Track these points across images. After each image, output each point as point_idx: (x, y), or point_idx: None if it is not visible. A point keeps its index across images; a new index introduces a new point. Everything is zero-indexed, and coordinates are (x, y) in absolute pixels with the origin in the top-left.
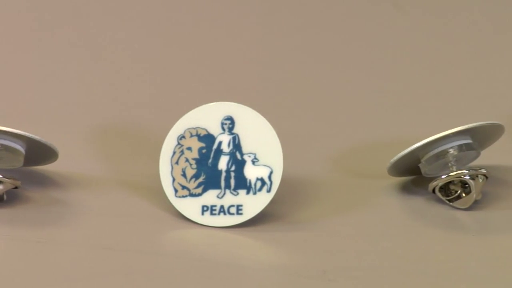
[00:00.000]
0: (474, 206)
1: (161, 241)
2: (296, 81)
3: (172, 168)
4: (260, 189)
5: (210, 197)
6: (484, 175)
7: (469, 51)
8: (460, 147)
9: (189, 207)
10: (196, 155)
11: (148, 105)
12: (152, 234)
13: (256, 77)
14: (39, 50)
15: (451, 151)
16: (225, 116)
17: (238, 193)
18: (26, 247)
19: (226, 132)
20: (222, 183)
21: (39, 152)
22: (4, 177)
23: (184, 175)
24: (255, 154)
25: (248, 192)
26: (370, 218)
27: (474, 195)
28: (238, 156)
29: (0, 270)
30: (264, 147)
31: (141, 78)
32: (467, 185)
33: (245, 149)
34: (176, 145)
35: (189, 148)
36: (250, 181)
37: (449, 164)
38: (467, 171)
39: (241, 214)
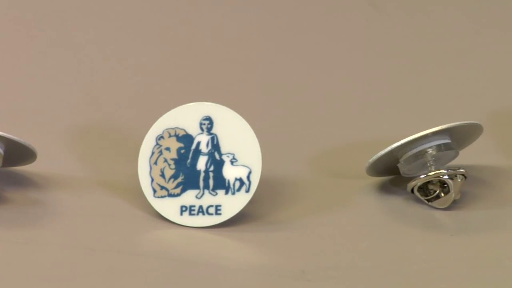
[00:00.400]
0: (453, 206)
1: (140, 241)
2: (275, 81)
3: (151, 168)
4: (238, 189)
5: (189, 197)
6: (463, 175)
7: (447, 51)
8: (438, 147)
9: (168, 207)
10: (174, 156)
11: (127, 105)
12: (131, 234)
13: (234, 77)
14: (17, 50)
15: (430, 151)
16: (204, 116)
17: (216, 193)
18: (5, 248)
19: (205, 133)
20: (201, 183)
21: (17, 153)
22: None
23: (162, 175)
24: (233, 154)
25: (226, 192)
26: (348, 218)
27: (453, 195)
28: (217, 157)
29: None
30: (242, 147)
31: (120, 78)
32: (445, 185)
33: (223, 149)
34: (155, 146)
35: (167, 149)
36: (228, 181)
37: (428, 164)
38: (445, 171)
39: (219, 214)
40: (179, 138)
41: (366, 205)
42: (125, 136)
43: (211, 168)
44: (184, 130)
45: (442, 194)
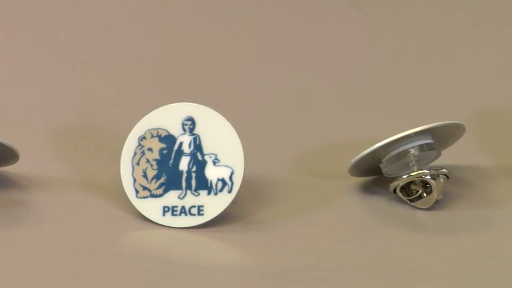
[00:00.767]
0: (435, 206)
1: (122, 241)
2: (257, 81)
3: (133, 169)
4: (221, 190)
5: (171, 197)
6: (445, 175)
7: (429, 52)
8: (421, 147)
9: (150, 208)
10: (157, 156)
11: (109, 106)
12: (113, 235)
13: (216, 78)
14: None
15: (412, 151)
16: (186, 116)
17: (199, 194)
18: None
19: (187, 133)
20: (183, 184)
21: None
22: None
23: (145, 176)
24: (216, 155)
25: (209, 193)
26: (331, 218)
27: (435, 195)
28: (199, 157)
29: None
30: (225, 148)
31: (102, 79)
32: (428, 185)
33: (206, 149)
34: (137, 146)
35: (150, 149)
36: (211, 181)
37: (410, 164)
38: (428, 171)
39: (202, 214)
40: (161, 139)
41: (348, 205)
42: (108, 137)
43: (194, 169)
44: (167, 131)
45: (425, 194)
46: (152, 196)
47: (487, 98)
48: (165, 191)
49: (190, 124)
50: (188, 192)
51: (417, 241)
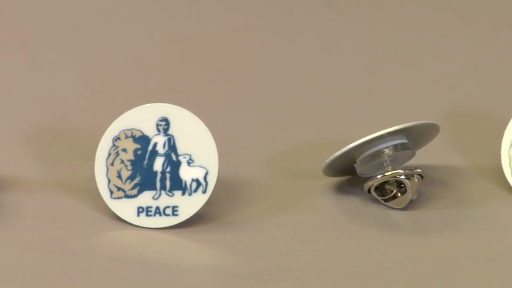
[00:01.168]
0: (410, 206)
1: (97, 242)
2: (230, 81)
3: (108, 169)
4: (195, 190)
5: (146, 198)
6: (420, 174)
7: (403, 51)
8: (395, 147)
9: (125, 208)
10: (131, 157)
11: (83, 106)
12: (88, 236)
13: (190, 78)
14: None
15: (386, 151)
16: (160, 117)
17: (173, 194)
18: None
19: (161, 133)
20: (158, 184)
21: None
22: None
23: (119, 176)
24: (190, 155)
25: (183, 193)
26: (305, 218)
27: (410, 195)
28: (174, 157)
29: None
30: (199, 148)
31: (75, 79)
32: (402, 185)
33: (180, 150)
34: (111, 147)
35: (124, 150)
36: (185, 182)
37: (385, 164)
38: (402, 171)
39: (176, 215)
40: (135, 139)
41: (323, 205)
42: (82, 137)
43: (168, 169)
44: (141, 131)
45: (399, 194)
46: (127, 196)
47: (461, 98)
48: (140, 192)
49: (164, 125)
50: (163, 192)
51: (391, 241)
